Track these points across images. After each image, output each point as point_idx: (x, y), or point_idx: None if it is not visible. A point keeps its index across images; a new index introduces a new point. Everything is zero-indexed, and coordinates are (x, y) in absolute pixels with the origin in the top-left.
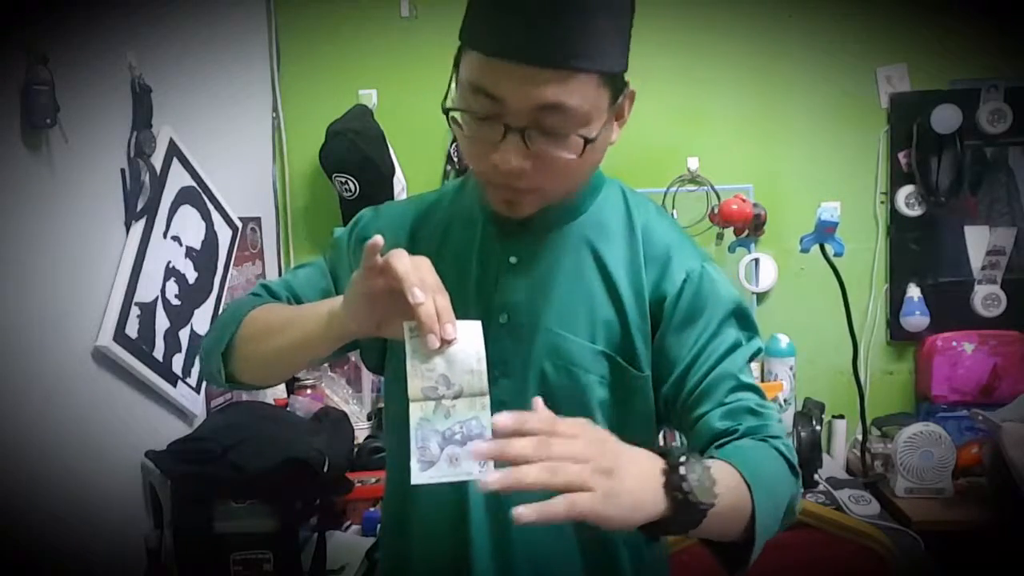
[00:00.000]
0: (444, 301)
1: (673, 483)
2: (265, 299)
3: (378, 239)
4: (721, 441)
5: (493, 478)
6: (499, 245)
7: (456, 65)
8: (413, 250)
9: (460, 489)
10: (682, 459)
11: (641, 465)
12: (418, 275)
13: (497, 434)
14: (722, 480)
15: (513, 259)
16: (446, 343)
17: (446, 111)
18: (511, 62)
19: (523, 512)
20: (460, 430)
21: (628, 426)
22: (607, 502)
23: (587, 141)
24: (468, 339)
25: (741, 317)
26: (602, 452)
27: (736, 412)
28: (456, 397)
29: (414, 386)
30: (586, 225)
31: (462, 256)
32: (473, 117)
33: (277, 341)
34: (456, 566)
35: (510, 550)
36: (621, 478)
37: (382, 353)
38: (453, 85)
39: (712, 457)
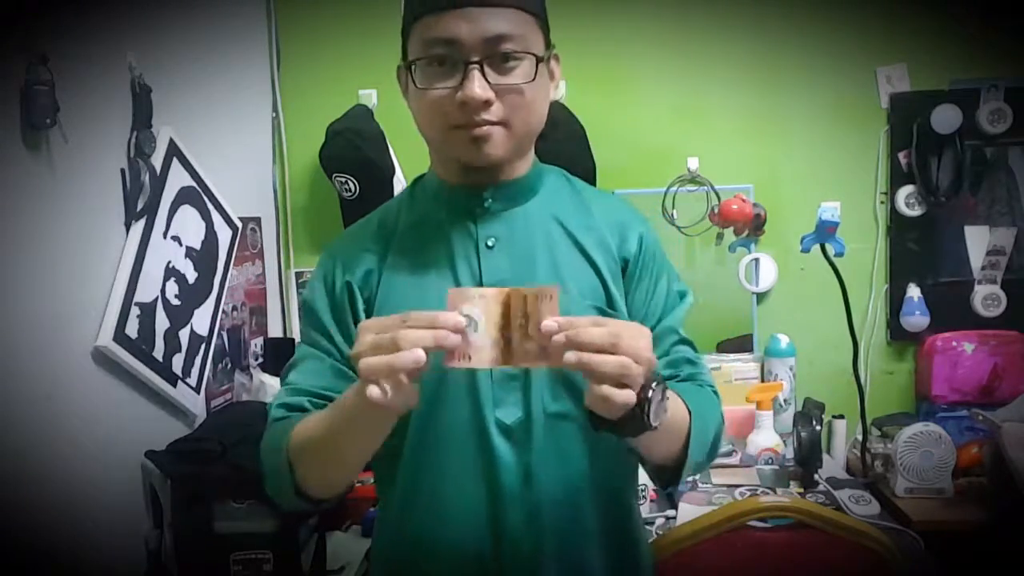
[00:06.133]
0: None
1: (637, 398)
2: (288, 417)
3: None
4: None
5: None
6: (472, 234)
7: (405, 56)
8: (384, 262)
9: (489, 475)
10: (653, 384)
11: None
12: (388, 359)
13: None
14: (672, 409)
15: (490, 241)
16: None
17: (408, 64)
18: (462, 8)
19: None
20: None
21: None
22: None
23: (538, 60)
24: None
25: (672, 273)
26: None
27: (677, 362)
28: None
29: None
30: (545, 203)
31: (441, 261)
32: (432, 66)
33: (336, 453)
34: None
35: (541, 527)
36: None
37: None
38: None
39: (671, 383)
